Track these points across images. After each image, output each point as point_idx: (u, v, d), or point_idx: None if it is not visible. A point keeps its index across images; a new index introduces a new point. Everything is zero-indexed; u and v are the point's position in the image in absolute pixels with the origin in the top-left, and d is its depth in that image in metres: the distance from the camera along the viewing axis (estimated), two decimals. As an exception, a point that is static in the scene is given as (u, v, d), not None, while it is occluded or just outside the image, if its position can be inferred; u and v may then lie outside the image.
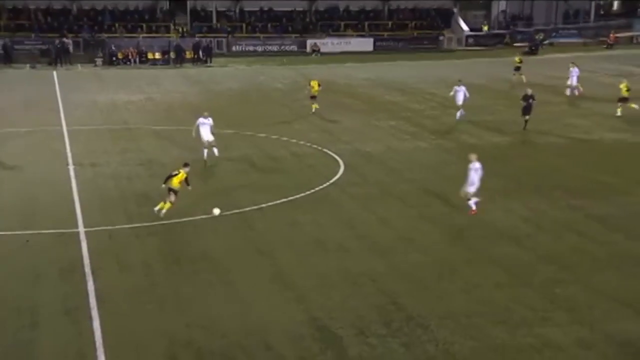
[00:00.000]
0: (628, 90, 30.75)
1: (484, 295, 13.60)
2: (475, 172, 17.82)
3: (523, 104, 28.20)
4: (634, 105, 30.41)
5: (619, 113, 30.36)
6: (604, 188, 20.25)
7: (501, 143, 26.17)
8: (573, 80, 35.61)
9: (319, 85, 32.04)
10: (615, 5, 72.71)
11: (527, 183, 20.95)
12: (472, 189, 17.92)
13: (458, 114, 30.13)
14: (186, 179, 17.70)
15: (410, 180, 21.33)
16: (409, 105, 34.52)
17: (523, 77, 39.78)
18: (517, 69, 40.91)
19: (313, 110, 31.58)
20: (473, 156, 18.02)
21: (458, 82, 30.85)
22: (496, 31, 64.93)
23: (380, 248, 15.97)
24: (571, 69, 36.00)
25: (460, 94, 30.21)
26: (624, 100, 30.56)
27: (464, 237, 16.67)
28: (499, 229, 17.24)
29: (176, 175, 17.59)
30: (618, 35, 61.85)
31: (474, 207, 17.96)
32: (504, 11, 67.54)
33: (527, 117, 27.98)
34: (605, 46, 59.92)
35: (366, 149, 25.48)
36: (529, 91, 28.48)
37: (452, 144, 26.27)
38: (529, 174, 21.99)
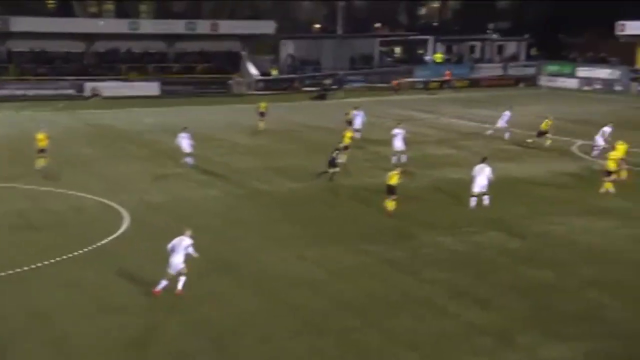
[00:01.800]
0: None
1: (280, 346, 13.86)
2: (183, 249, 16.10)
3: (331, 155, 28.12)
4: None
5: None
6: (394, 232, 21.53)
7: (296, 189, 26.99)
8: (357, 123, 37.27)
9: (47, 137, 29.66)
10: (398, 52, 78.52)
11: (321, 229, 21.75)
12: (178, 267, 16.11)
13: (188, 159, 30.28)
14: None
15: (200, 230, 21.22)
16: (197, 151, 34.53)
17: (262, 123, 40.27)
18: (262, 114, 40.80)
19: (39, 166, 29.11)
20: (187, 231, 16.40)
21: (183, 129, 30.85)
22: (285, 76, 67.30)
23: (169, 304, 15.73)
24: (354, 111, 37.97)
25: (185, 141, 30.32)
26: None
27: (259, 286, 16.90)
28: (293, 276, 17.69)
29: None
30: (401, 80, 66.71)
31: (160, 287, 16.09)
32: (291, 55, 70.23)
33: (333, 169, 27.81)
34: (392, 91, 64.23)
35: (152, 199, 25.13)
36: (341, 145, 29.22)
37: (243, 190, 26.67)
38: (323, 220, 22.85)
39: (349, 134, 31.14)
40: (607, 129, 33.28)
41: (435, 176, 29.17)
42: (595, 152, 32.76)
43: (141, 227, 21.63)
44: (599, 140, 32.90)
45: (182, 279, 16.18)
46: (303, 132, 41.02)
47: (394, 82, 65.82)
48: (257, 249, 19.65)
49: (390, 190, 23.01)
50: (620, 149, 26.84)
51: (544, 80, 71.07)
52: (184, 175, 29.10)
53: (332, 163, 27.84)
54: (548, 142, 35.43)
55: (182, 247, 16.13)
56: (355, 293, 16.71)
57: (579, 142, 36.24)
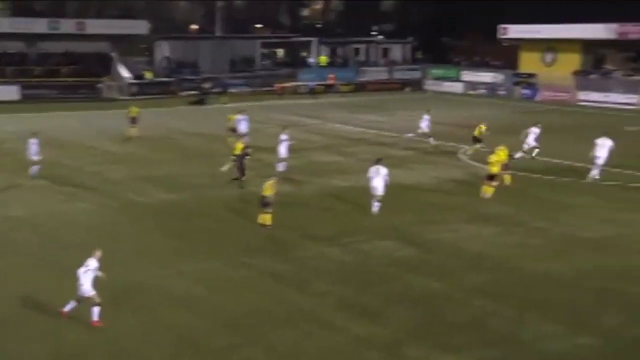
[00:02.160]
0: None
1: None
2: (85, 274, 15.42)
3: (237, 162, 28.07)
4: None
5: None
6: (278, 243, 21.55)
7: (172, 200, 26.55)
8: (242, 129, 37.14)
9: None
10: (281, 54, 78.92)
11: (201, 242, 21.49)
12: (88, 293, 15.39)
13: (34, 168, 29.44)
14: None
15: (71, 247, 20.54)
16: (65, 161, 33.41)
17: (134, 130, 39.50)
18: (133, 120, 39.71)
19: None
20: (97, 253, 15.81)
21: (32, 135, 29.80)
22: (162, 79, 66.23)
23: (37, 329, 15.12)
24: (238, 116, 37.77)
25: (34, 147, 29.36)
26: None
27: (135, 305, 16.50)
28: (171, 293, 17.39)
29: None
30: (285, 85, 67.07)
31: (96, 318, 15.48)
32: (167, 57, 69.21)
33: (242, 177, 27.88)
34: (276, 95, 64.39)
35: (12, 213, 24.12)
36: (248, 150, 28.74)
37: (117, 203, 26.01)
38: (203, 232, 22.59)
39: (239, 145, 30.15)
40: (536, 130, 34.75)
41: (322, 184, 29.44)
42: (521, 155, 33.91)
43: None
44: (532, 142, 34.44)
45: (96, 310, 15.33)
46: (180, 139, 40.48)
47: (278, 86, 66.08)
48: (132, 265, 19.19)
49: (265, 202, 22.70)
50: (501, 154, 27.99)
51: (429, 85, 73.31)
52: (51, 188, 28.09)
53: (242, 169, 27.90)
54: (471, 152, 35.62)
55: (89, 271, 15.39)
56: (238, 309, 16.59)
57: (465, 147, 37.49)
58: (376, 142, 40.59)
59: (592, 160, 30.45)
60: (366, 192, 24.96)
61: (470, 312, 16.69)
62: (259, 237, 22.10)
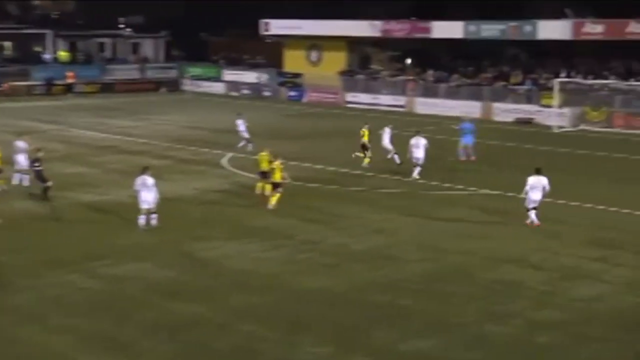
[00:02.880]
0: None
1: None
2: None
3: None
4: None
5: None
6: (7, 273, 20.40)
7: None
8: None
9: None
10: (9, 48, 74.72)
11: None
12: None
13: None
14: None
15: None
16: None
17: None
18: None
19: None
20: None
21: None
22: None
23: None
24: None
25: None
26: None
27: None
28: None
29: None
30: (14, 83, 64.02)
31: None
32: None
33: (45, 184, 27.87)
34: (3, 96, 61.33)
35: None
36: (39, 154, 28.37)
37: None
38: None
39: None
40: (388, 130, 35.77)
41: (66, 199, 28.44)
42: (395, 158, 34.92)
43: None
44: (388, 145, 35.37)
45: None
46: None
47: (5, 85, 63.06)
48: None
49: None
50: (263, 159, 28.77)
51: (188, 85, 73.26)
52: None
53: (40, 177, 27.34)
54: (366, 163, 35.44)
55: None
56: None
57: (230, 154, 37.87)
58: (127, 150, 39.98)
59: (410, 162, 32.73)
60: (119, 206, 24.46)
61: (237, 337, 16.77)
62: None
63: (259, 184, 29.27)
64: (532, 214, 25.21)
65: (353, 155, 35.67)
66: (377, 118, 48.53)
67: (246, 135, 39.43)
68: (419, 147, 32.51)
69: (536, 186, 24.98)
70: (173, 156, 38.00)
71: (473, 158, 37.32)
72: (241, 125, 39.70)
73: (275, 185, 27.55)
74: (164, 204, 26.02)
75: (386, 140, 35.72)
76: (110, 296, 19.07)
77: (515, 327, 17.32)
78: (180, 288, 19.72)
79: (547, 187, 25.04)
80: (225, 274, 20.88)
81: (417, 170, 32.59)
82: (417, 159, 32.51)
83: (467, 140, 37.73)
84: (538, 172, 25.25)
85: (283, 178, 27.53)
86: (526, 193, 25.20)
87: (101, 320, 17.42)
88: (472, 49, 60.18)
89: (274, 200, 27.38)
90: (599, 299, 19.11)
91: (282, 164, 27.67)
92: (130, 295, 19.17)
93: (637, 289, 19.76)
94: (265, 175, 28.71)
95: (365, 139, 35.27)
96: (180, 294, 19.25)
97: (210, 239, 24.05)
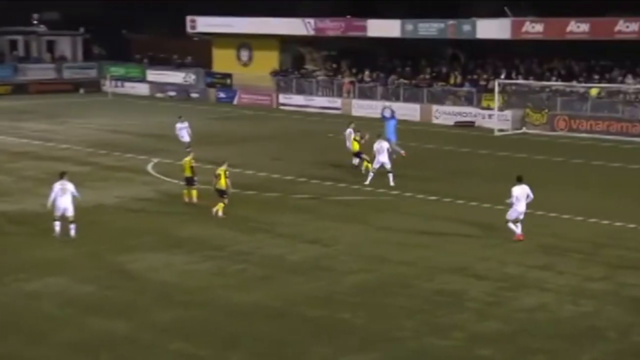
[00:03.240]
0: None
1: None
2: None
3: None
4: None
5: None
6: None
7: None
8: None
9: None
10: None
11: None
12: None
13: None
14: None
15: None
16: None
17: None
18: None
19: None
20: None
21: None
22: None
23: None
24: None
25: None
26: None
27: None
28: None
29: None
30: None
31: None
32: None
33: None
34: None
35: None
36: None
37: None
38: None
39: None
40: (350, 130, 35.76)
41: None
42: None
43: None
44: (350, 146, 35.31)
45: None
46: None
47: None
48: None
49: None
50: (186, 164, 28.92)
51: (109, 86, 72.32)
52: None
53: None
54: (364, 169, 34.71)
55: None
56: None
57: (156, 160, 37.46)
58: (44, 155, 39.36)
59: (374, 168, 32.67)
60: (34, 216, 24.02)
61: (165, 356, 16.54)
62: None
63: (185, 191, 29.18)
64: (518, 227, 24.65)
65: (352, 167, 35.62)
66: (312, 121, 48.49)
67: (187, 139, 39.12)
68: (382, 152, 32.45)
69: (522, 197, 24.51)
70: (95, 162, 37.40)
71: (403, 153, 37.24)
72: (182, 129, 39.44)
73: (221, 193, 27.34)
74: (84, 214, 25.62)
75: (349, 143, 35.83)
76: (24, 314, 18.65)
77: (457, 340, 17.39)
78: (101, 304, 19.39)
79: (531, 196, 24.58)
80: (150, 288, 20.59)
81: (390, 177, 32.30)
82: (383, 163, 32.39)
83: (394, 137, 37.42)
84: (520, 180, 24.70)
85: (227, 186, 27.38)
86: (511, 205, 24.64)
87: (13, 341, 16.99)
88: (410, 49, 60.56)
89: (220, 209, 27.17)
90: (542, 308, 19.31)
91: (227, 170, 27.53)
92: (46, 312, 18.79)
93: (579, 298, 20.06)
94: (189, 181, 28.76)
95: (357, 148, 34.86)
96: (102, 310, 18.92)
97: (134, 250, 23.71)
